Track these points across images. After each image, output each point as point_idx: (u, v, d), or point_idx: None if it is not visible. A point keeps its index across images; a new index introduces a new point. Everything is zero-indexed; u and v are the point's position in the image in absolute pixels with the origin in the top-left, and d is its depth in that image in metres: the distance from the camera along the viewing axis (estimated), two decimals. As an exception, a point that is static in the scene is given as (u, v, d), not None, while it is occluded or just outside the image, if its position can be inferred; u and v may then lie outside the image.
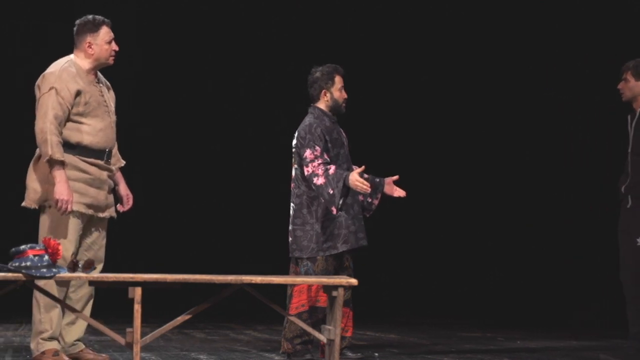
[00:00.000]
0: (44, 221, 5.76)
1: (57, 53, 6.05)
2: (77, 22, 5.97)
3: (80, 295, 5.86)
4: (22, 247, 4.96)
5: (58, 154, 5.58)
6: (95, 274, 5.10)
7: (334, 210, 6.16)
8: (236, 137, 12.35)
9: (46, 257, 4.90)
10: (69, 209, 5.61)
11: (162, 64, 12.35)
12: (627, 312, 6.58)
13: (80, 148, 5.76)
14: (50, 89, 5.68)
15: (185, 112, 12.38)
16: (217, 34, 12.46)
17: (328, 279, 5.39)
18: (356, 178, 6.13)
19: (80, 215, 5.75)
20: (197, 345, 7.50)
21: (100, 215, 5.88)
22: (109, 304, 7.52)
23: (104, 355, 6.14)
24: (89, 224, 5.85)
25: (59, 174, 5.60)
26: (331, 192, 6.13)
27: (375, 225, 7.20)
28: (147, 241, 11.83)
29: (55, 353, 5.74)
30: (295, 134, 6.42)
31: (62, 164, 5.61)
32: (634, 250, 6.46)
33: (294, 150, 6.41)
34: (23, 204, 5.81)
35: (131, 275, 4.93)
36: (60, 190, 5.58)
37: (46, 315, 5.74)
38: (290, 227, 6.39)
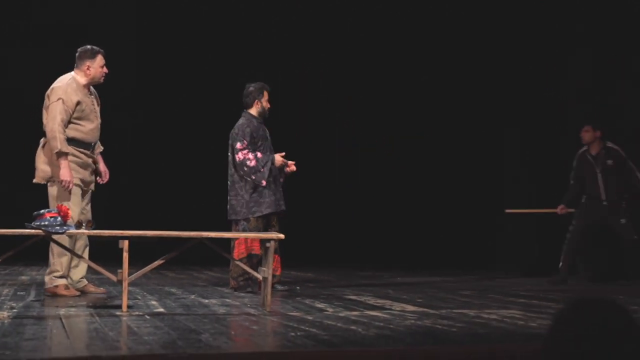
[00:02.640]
0: (52, 192, 5.90)
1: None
2: (80, 49, 6.13)
3: (79, 245, 6.02)
4: (41, 211, 5.00)
5: (64, 147, 5.79)
6: (94, 231, 5.15)
7: (264, 183, 6.45)
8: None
9: (59, 218, 4.95)
10: (71, 186, 5.83)
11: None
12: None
13: (77, 141, 5.96)
14: (59, 99, 5.83)
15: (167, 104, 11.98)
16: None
17: (264, 234, 5.52)
18: (279, 158, 6.61)
19: (78, 187, 5.94)
20: (169, 282, 7.53)
21: (86, 188, 6.08)
22: (105, 253, 7.55)
23: (102, 289, 6.24)
24: (82, 194, 6.02)
25: (63, 162, 5.79)
26: (262, 170, 6.50)
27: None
28: (133, 205, 11.77)
29: (66, 287, 5.87)
30: (231, 131, 6.71)
31: (66, 154, 5.81)
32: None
33: (230, 142, 6.68)
34: (34, 180, 5.96)
35: (120, 231, 4.99)
36: (65, 173, 5.79)
37: (58, 260, 5.85)
38: (228, 198, 6.64)
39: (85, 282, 6.19)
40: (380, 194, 12.31)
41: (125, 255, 4.92)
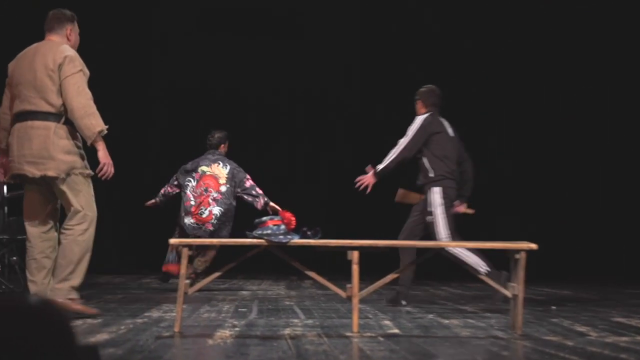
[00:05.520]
0: (72, 185, 5.39)
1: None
2: (54, 12, 5.61)
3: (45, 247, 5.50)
4: (264, 218, 5.08)
5: (105, 126, 5.34)
6: (320, 241, 5.15)
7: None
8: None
9: (283, 226, 5.00)
10: (112, 172, 5.40)
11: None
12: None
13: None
14: (79, 70, 5.37)
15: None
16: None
17: (512, 244, 5.31)
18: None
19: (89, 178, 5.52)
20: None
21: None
22: (329, 264, 7.65)
23: None
24: None
25: (102, 144, 5.35)
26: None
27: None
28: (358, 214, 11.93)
29: (83, 302, 5.63)
30: (231, 166, 8.10)
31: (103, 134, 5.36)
32: None
33: (229, 175, 8.02)
34: (51, 174, 5.34)
35: (349, 241, 4.95)
36: (106, 156, 5.37)
37: (79, 267, 5.46)
38: None
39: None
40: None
41: (356, 267, 4.88)
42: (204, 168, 8.18)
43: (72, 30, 5.59)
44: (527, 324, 5.33)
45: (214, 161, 8.22)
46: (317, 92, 12.99)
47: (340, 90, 12.91)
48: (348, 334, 4.79)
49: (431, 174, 6.72)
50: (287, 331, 4.87)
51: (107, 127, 5.32)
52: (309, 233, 5.06)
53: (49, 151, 5.31)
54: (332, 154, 12.84)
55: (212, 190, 8.08)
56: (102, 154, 5.35)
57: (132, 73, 12.57)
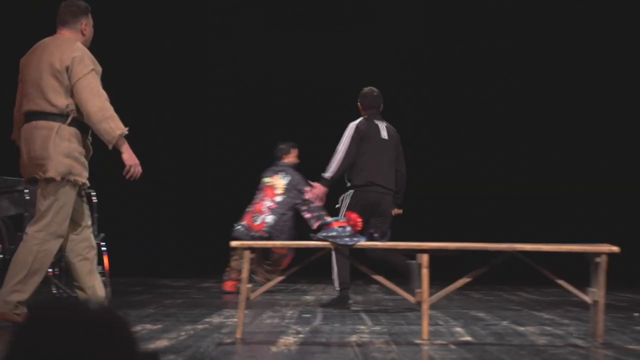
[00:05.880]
0: (60, 191, 5.15)
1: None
2: (67, 4, 5.37)
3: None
4: (329, 220, 5.01)
5: (125, 128, 5.13)
6: (387, 243, 5.06)
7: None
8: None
9: (348, 228, 4.92)
10: (140, 172, 5.20)
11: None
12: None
13: (83, 126, 5.24)
14: (91, 70, 5.14)
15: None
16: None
17: (592, 247, 5.11)
18: None
19: (78, 186, 5.24)
20: (474, 304, 7.35)
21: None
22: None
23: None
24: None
25: (126, 145, 5.14)
26: None
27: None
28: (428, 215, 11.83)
29: None
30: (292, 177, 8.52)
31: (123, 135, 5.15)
32: None
33: (287, 186, 8.45)
34: (49, 174, 5.11)
35: (418, 243, 4.85)
36: (132, 157, 5.15)
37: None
38: None
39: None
40: None
41: (425, 271, 4.77)
42: (266, 179, 8.71)
43: (87, 24, 5.36)
44: (609, 331, 5.15)
45: (277, 172, 8.71)
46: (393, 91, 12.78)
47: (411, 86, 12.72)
48: (417, 341, 4.69)
49: (349, 179, 7.02)
50: (353, 338, 4.79)
51: (127, 128, 5.12)
52: (375, 235, 5.00)
53: (48, 151, 5.12)
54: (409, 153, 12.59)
55: (267, 199, 8.51)
56: (127, 155, 5.16)
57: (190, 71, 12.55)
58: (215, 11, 12.61)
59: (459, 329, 5.33)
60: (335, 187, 7.04)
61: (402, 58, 12.57)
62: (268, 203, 8.45)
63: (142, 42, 11.76)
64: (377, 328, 5.36)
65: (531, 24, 12.37)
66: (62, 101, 5.14)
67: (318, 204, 7.78)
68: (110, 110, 5.09)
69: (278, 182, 8.57)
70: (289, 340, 4.62)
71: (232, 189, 11.82)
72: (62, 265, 6.97)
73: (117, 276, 7.49)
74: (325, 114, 11.81)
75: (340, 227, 4.90)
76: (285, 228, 8.41)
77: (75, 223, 5.31)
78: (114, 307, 1.81)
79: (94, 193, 6.80)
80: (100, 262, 6.45)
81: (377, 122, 7.06)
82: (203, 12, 12.55)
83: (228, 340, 4.60)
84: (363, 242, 4.95)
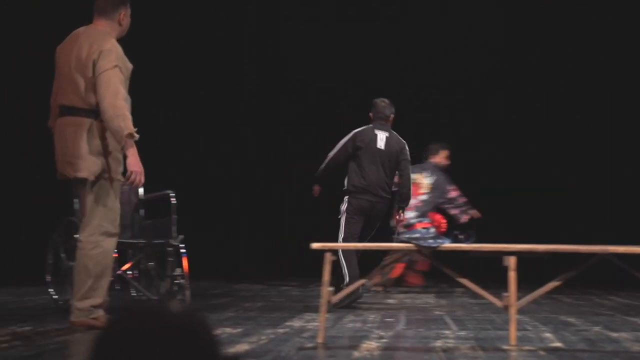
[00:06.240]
0: (99, 192, 5.10)
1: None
2: None
3: None
4: (412, 220, 4.96)
5: (134, 129, 4.97)
6: (472, 245, 4.96)
7: None
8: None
9: (432, 230, 4.87)
10: (142, 181, 5.06)
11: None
12: None
13: None
14: (115, 66, 5.01)
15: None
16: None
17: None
18: None
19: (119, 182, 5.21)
20: (564, 309, 7.19)
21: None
22: (484, 271, 7.44)
23: None
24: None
25: (133, 149, 4.97)
26: None
27: None
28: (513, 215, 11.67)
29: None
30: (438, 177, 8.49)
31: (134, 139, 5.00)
32: None
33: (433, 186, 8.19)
34: (80, 174, 5.05)
35: (505, 245, 4.74)
36: (136, 163, 4.98)
37: (98, 282, 5.18)
38: None
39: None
40: None
41: (513, 274, 4.66)
42: (413, 175, 8.57)
43: (125, 15, 5.27)
44: None
45: (423, 170, 8.88)
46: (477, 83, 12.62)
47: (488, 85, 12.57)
48: (505, 347, 4.61)
49: (345, 185, 7.40)
50: (438, 343, 4.73)
51: (136, 130, 4.95)
52: (461, 237, 4.93)
53: (80, 150, 5.05)
54: (481, 152, 12.44)
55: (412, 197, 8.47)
56: (131, 160, 4.99)
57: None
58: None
59: (548, 335, 5.23)
60: (336, 192, 7.39)
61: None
62: (412, 201, 8.09)
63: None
64: (463, 333, 5.29)
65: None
66: (92, 97, 5.07)
67: (463, 199, 8.08)
68: (122, 109, 4.94)
69: (422, 181, 8.60)
70: (371, 345, 4.58)
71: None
72: (141, 267, 7.03)
73: (196, 279, 7.51)
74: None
75: (424, 228, 4.85)
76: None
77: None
78: (196, 310, 1.80)
79: (173, 194, 6.82)
80: (179, 264, 6.50)
81: (377, 131, 7.43)
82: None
83: (309, 345, 4.57)
84: (447, 244, 4.88)
